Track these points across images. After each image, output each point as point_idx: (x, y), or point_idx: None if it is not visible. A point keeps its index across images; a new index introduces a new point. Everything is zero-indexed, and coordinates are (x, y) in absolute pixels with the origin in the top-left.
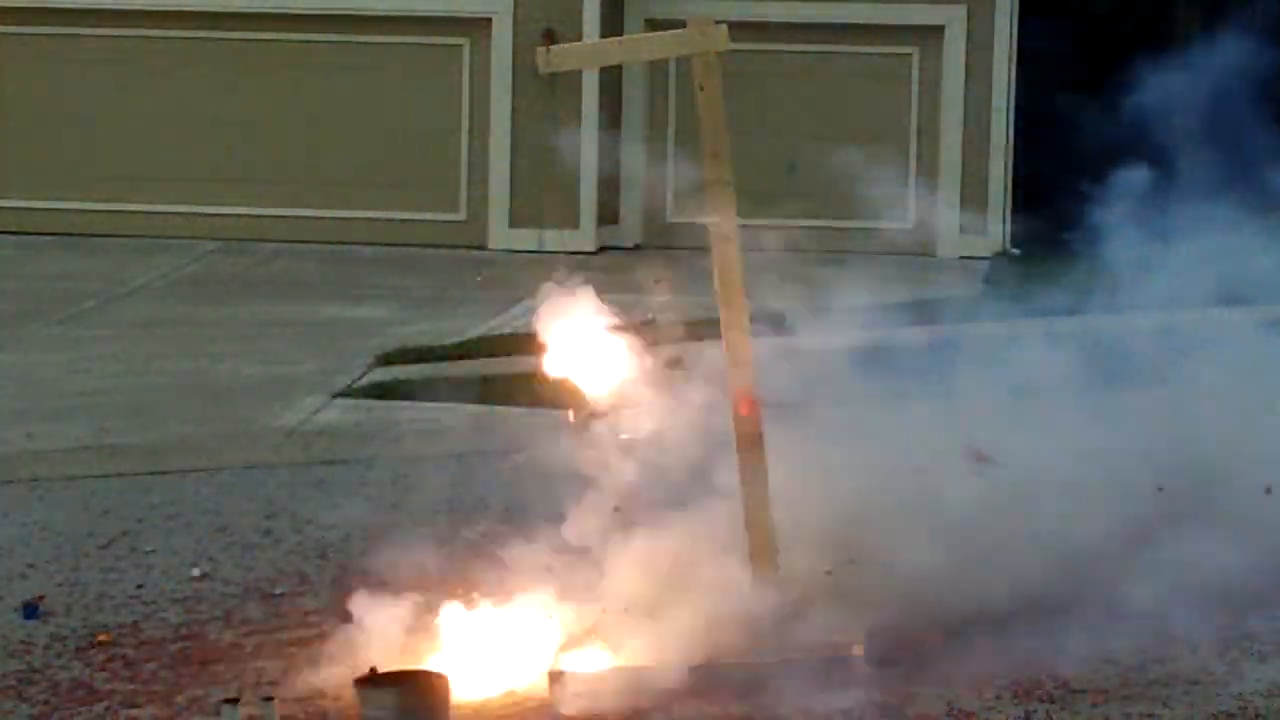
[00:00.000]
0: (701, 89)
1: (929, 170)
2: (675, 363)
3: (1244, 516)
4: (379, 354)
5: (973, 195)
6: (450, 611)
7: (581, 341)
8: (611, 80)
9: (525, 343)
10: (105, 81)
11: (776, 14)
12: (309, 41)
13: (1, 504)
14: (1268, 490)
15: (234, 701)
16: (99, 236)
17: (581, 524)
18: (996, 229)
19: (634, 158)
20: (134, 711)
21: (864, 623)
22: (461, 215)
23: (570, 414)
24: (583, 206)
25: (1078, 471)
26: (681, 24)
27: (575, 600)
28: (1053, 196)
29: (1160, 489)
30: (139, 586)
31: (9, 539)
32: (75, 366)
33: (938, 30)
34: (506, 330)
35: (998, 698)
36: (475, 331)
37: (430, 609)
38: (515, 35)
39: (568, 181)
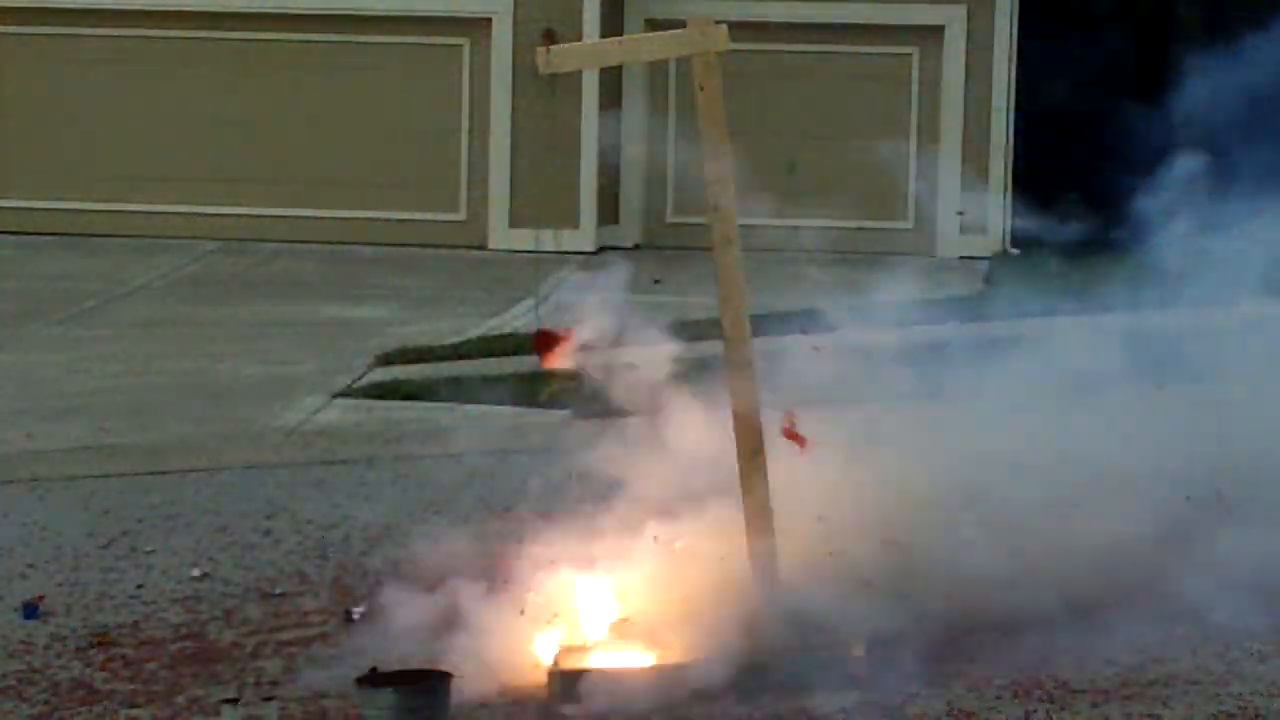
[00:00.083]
0: (701, 89)
1: (929, 170)
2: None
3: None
4: (379, 354)
5: (972, 195)
6: (450, 611)
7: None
8: (611, 80)
9: (527, 341)
10: (105, 81)
11: (776, 14)
12: (309, 41)
13: (1, 504)
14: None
15: (234, 701)
16: (99, 236)
17: (582, 523)
18: (996, 229)
19: (634, 158)
20: (134, 711)
21: (910, 615)
22: (461, 215)
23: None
24: (583, 207)
25: (1124, 467)
26: (681, 24)
27: (576, 600)
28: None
29: (1188, 498)
30: (139, 586)
31: (9, 539)
32: (75, 366)
33: (938, 30)
34: (506, 330)
35: (998, 698)
36: (475, 331)
37: (430, 608)
38: (515, 35)
39: (568, 182)
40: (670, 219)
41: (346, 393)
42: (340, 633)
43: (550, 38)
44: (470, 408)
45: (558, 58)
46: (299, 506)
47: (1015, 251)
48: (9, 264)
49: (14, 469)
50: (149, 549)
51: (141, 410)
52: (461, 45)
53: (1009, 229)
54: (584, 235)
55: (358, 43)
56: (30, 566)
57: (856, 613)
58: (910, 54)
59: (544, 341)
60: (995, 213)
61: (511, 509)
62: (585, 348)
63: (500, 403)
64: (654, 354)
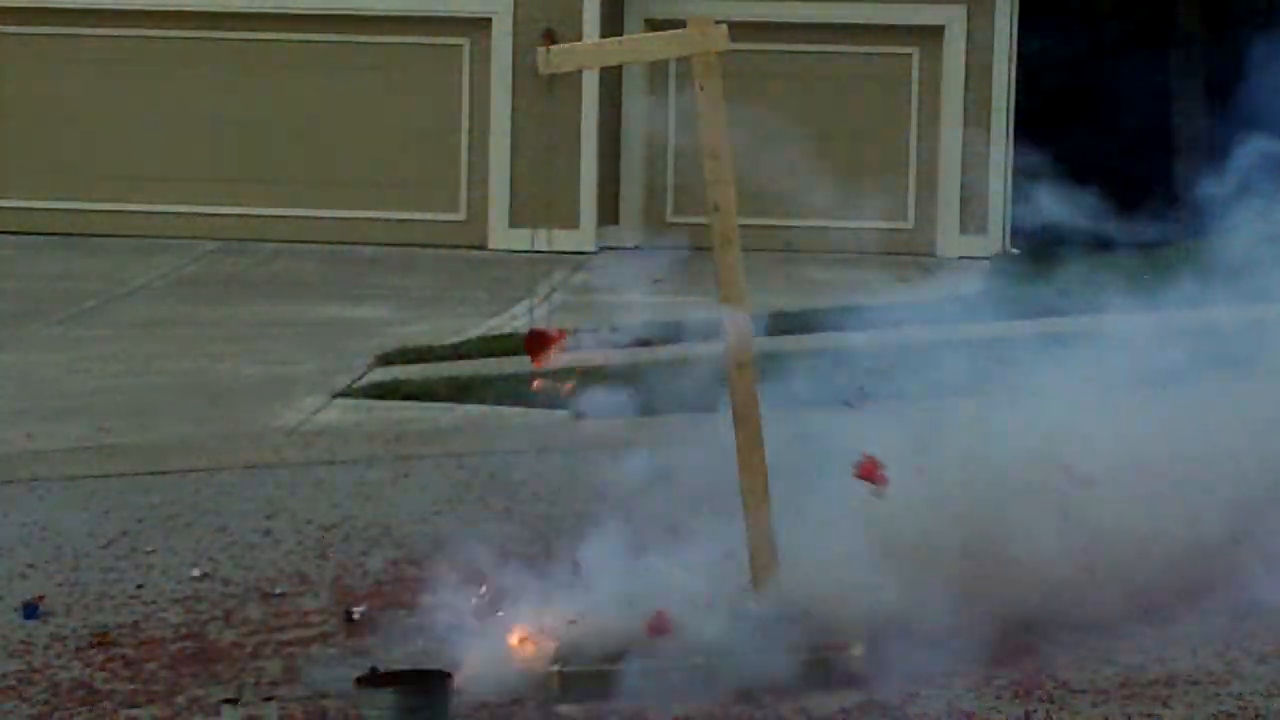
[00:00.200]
0: (701, 89)
1: (929, 170)
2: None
3: None
4: (379, 354)
5: (973, 195)
6: (450, 611)
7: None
8: (611, 80)
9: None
10: (105, 81)
11: (776, 14)
12: (309, 41)
13: (1, 504)
14: None
15: (234, 701)
16: (99, 236)
17: (578, 523)
18: (996, 229)
19: (634, 158)
20: (134, 711)
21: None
22: (461, 215)
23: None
24: (583, 206)
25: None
26: (681, 24)
27: (576, 600)
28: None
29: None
30: (139, 586)
31: (9, 539)
32: (75, 366)
33: (938, 30)
34: (506, 330)
35: (998, 698)
36: (475, 331)
37: (430, 608)
38: (515, 35)
39: (568, 181)
40: (670, 219)
41: (346, 393)
42: (340, 633)
43: (550, 38)
44: (470, 408)
45: (558, 58)
46: (299, 506)
47: (1015, 251)
48: (9, 264)
49: (14, 469)
50: (149, 549)
51: (141, 410)
52: (461, 45)
53: (1009, 229)
54: (584, 235)
55: (358, 43)
56: (30, 566)
57: (855, 612)
58: (910, 54)
59: (536, 342)
60: (995, 213)
61: (511, 509)
62: (580, 348)
63: (500, 403)
64: (652, 354)
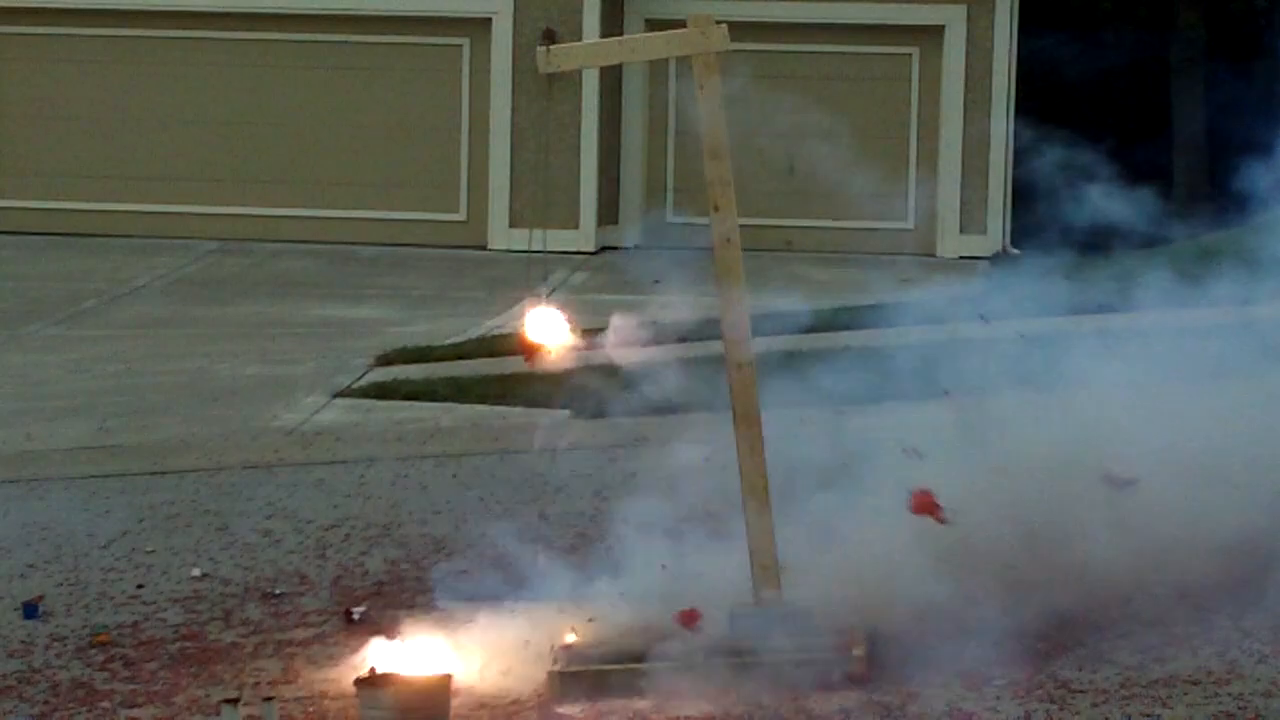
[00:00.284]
0: (701, 89)
1: (929, 170)
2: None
3: None
4: (379, 354)
5: (973, 195)
6: (450, 611)
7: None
8: (611, 80)
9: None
10: (105, 81)
11: (776, 14)
12: (309, 41)
13: (1, 504)
14: None
15: (234, 701)
16: (99, 236)
17: (570, 523)
18: (996, 229)
19: (634, 158)
20: (134, 711)
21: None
22: (461, 215)
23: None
24: (583, 206)
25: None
26: (681, 24)
27: (575, 600)
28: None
29: None
30: (139, 586)
31: (9, 539)
32: (75, 366)
33: (938, 30)
34: (506, 330)
35: (998, 698)
36: (475, 331)
37: (430, 608)
38: (515, 35)
39: (568, 181)
40: (670, 219)
41: (346, 393)
42: (340, 633)
43: (550, 38)
44: (470, 408)
45: (558, 58)
46: (299, 506)
47: (1015, 251)
48: (9, 264)
49: (14, 469)
50: (149, 549)
51: (141, 410)
52: (461, 45)
53: (1009, 229)
54: (584, 235)
55: (358, 43)
56: (30, 566)
57: (852, 612)
58: (910, 54)
59: (530, 341)
60: (995, 212)
61: (511, 509)
62: (574, 348)
63: (500, 403)
64: (649, 354)
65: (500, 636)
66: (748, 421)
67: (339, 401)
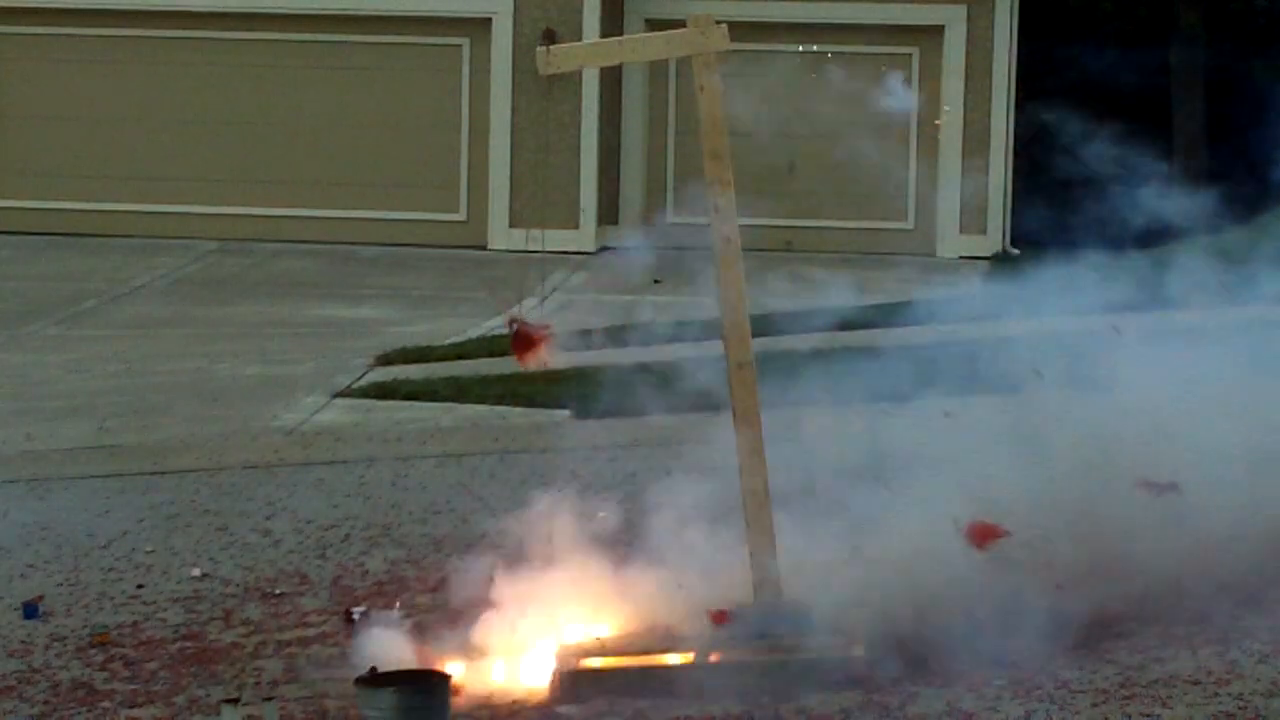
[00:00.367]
0: (701, 89)
1: (929, 170)
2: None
3: None
4: (379, 354)
5: (973, 195)
6: (450, 611)
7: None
8: (611, 80)
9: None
10: (105, 81)
11: (776, 14)
12: (309, 41)
13: (1, 504)
14: None
15: (234, 701)
16: (99, 236)
17: (570, 524)
18: (996, 229)
19: (634, 158)
20: (134, 711)
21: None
22: (461, 215)
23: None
24: (583, 207)
25: None
26: (681, 24)
27: (575, 600)
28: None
29: None
30: (139, 586)
31: (9, 539)
32: (75, 366)
33: (938, 30)
34: (506, 330)
35: (998, 698)
36: (475, 332)
37: (430, 608)
38: (515, 35)
39: (568, 182)
40: (670, 219)
41: (346, 393)
42: (340, 633)
43: (550, 38)
44: (470, 408)
45: (558, 58)
46: (299, 506)
47: (1015, 251)
48: (9, 264)
49: (14, 469)
50: (149, 549)
51: (141, 410)
52: (461, 45)
53: (1009, 229)
54: (584, 235)
55: (358, 43)
56: (30, 566)
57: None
58: (910, 54)
59: (520, 340)
60: (995, 212)
61: (511, 509)
62: (566, 347)
63: (500, 403)
64: (649, 354)
65: (500, 636)
66: (748, 421)
67: (339, 401)
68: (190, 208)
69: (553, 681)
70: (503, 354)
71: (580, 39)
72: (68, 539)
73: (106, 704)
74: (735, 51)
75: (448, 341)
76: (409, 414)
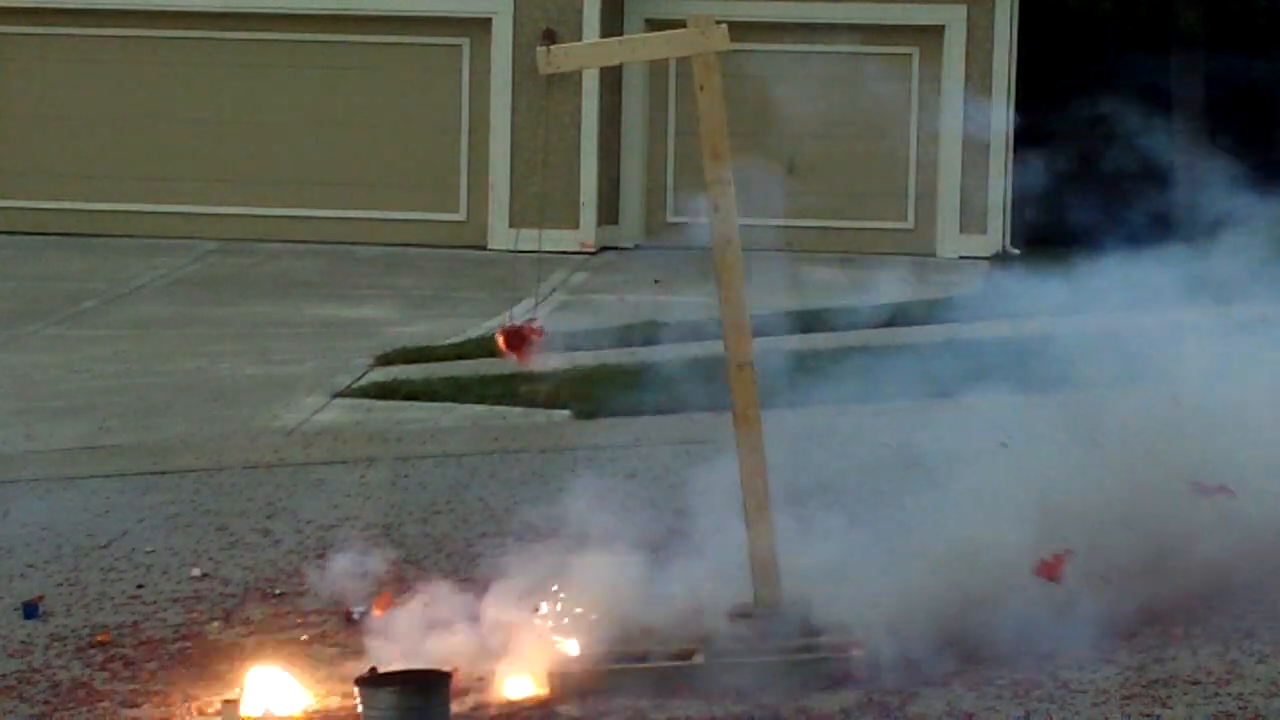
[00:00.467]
0: (701, 89)
1: (929, 170)
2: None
3: None
4: (379, 354)
5: (973, 195)
6: (450, 611)
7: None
8: (611, 80)
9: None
10: (105, 81)
11: (776, 14)
12: (309, 41)
13: (1, 504)
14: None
15: (234, 702)
16: (99, 236)
17: (570, 524)
18: (996, 229)
19: (634, 158)
20: (134, 711)
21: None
22: (461, 215)
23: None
24: (583, 206)
25: None
26: (681, 24)
27: (575, 600)
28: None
29: None
30: (139, 586)
31: (9, 539)
32: (75, 366)
33: (938, 30)
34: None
35: (998, 698)
36: (475, 332)
37: (430, 608)
38: (515, 35)
39: (568, 182)
40: (670, 219)
41: (346, 393)
42: (340, 633)
43: (550, 38)
44: (470, 408)
45: (558, 58)
46: (299, 506)
47: (1015, 251)
48: (9, 264)
49: (14, 469)
50: (149, 549)
51: (141, 410)
52: (461, 45)
53: (1009, 229)
54: (584, 235)
55: (358, 43)
56: (30, 566)
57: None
58: (910, 54)
59: (511, 339)
60: (996, 212)
61: (512, 509)
62: (565, 348)
63: (500, 403)
64: (650, 354)
65: (500, 636)
66: (748, 421)
67: (339, 401)
68: (190, 208)
69: (552, 681)
70: (502, 354)
71: (580, 39)
72: (68, 539)
73: (106, 704)
74: (736, 51)
75: (448, 341)
76: (409, 414)
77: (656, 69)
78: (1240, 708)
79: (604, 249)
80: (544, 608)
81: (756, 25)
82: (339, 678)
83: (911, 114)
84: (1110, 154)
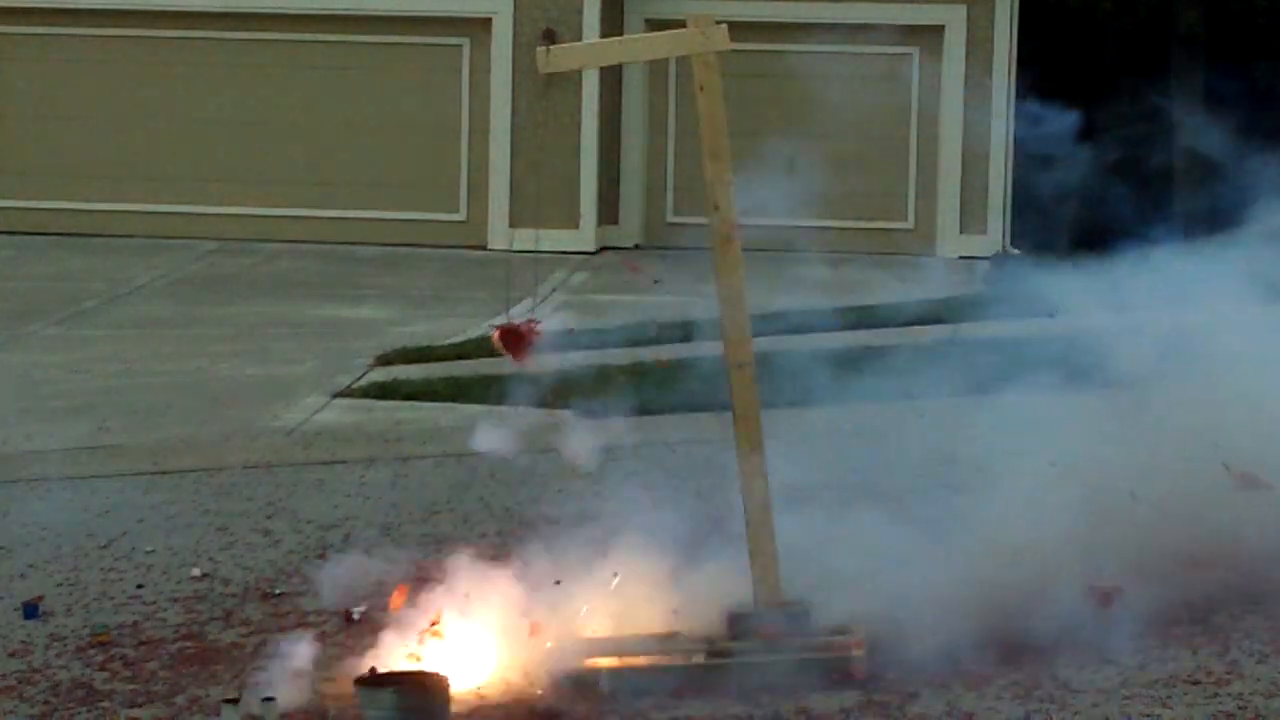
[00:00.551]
0: (701, 89)
1: (929, 170)
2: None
3: None
4: (379, 354)
5: (973, 195)
6: (450, 612)
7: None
8: (611, 80)
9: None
10: (105, 81)
11: (776, 14)
12: (309, 41)
13: (1, 504)
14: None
15: (234, 701)
16: (99, 236)
17: (570, 524)
18: (996, 229)
19: (634, 158)
20: (134, 711)
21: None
22: (461, 215)
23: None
24: (583, 206)
25: None
26: (681, 24)
27: (574, 600)
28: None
29: None
30: (139, 586)
31: (9, 539)
32: (75, 366)
33: (938, 30)
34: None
35: (998, 698)
36: (475, 331)
37: (431, 608)
38: (515, 35)
39: (568, 181)
40: (670, 219)
41: (346, 393)
42: (340, 633)
43: (550, 38)
44: (470, 408)
45: (558, 58)
46: (299, 506)
47: (1015, 251)
48: (9, 264)
49: (14, 469)
50: (149, 549)
51: (141, 410)
52: (461, 45)
53: (1009, 229)
54: (584, 235)
55: (358, 43)
56: (30, 566)
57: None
58: (910, 54)
59: (507, 337)
60: (996, 212)
61: (512, 509)
62: (565, 347)
63: (500, 403)
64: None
65: (500, 636)
66: (747, 421)
67: (339, 401)
68: (190, 208)
69: (552, 681)
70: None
71: (580, 39)
72: (68, 539)
73: (106, 704)
74: (736, 51)
75: (448, 341)
76: (409, 414)
77: (656, 69)
78: (1240, 708)
79: (604, 249)
80: (544, 608)
81: (756, 25)
82: (338, 677)
83: (911, 114)
84: (1108, 155)
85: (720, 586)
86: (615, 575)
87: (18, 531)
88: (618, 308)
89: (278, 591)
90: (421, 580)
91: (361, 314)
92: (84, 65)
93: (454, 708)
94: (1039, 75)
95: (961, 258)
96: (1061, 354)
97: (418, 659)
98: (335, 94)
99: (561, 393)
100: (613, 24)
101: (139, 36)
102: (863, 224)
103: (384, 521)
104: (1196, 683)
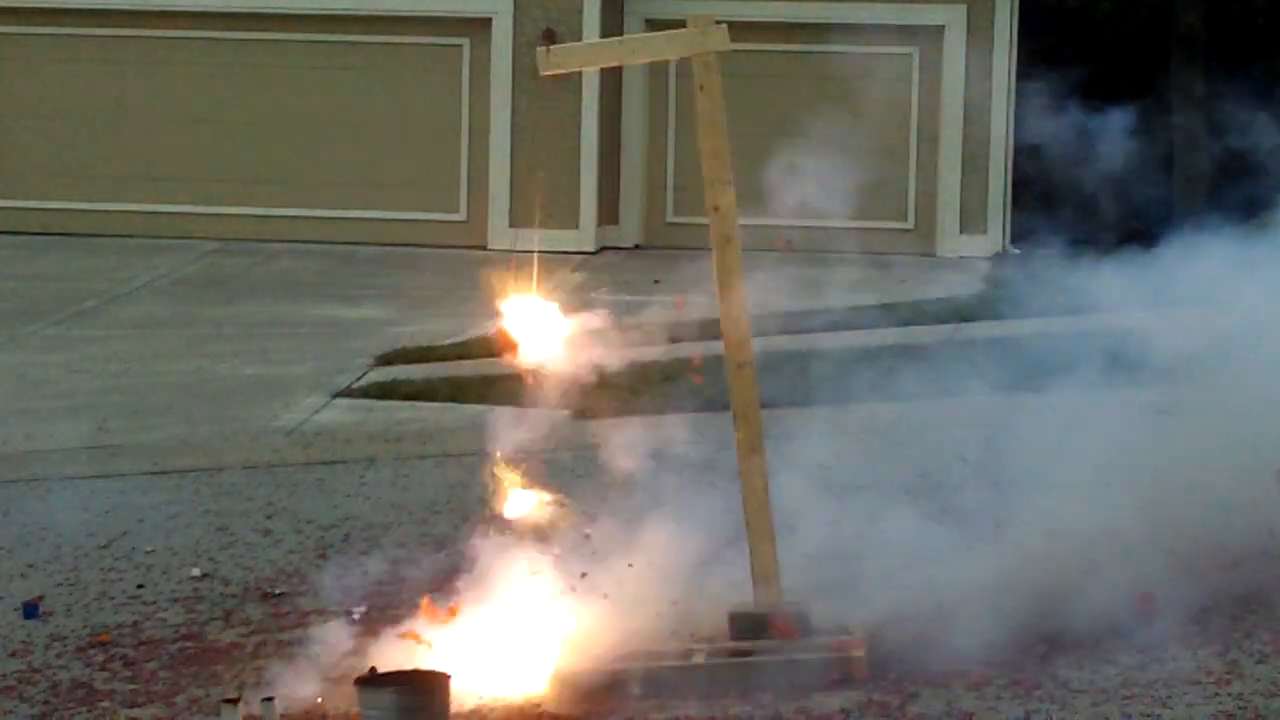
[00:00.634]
0: (701, 89)
1: (929, 170)
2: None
3: None
4: (379, 354)
5: (973, 195)
6: (450, 612)
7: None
8: (611, 80)
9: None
10: (105, 81)
11: (776, 14)
12: (309, 41)
13: (1, 504)
14: None
15: (234, 701)
16: (99, 236)
17: (569, 524)
18: (996, 229)
19: (634, 158)
20: (134, 711)
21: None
22: (461, 215)
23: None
24: (583, 206)
25: None
26: (681, 24)
27: (574, 600)
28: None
29: None
30: (139, 586)
31: (9, 539)
32: (75, 366)
33: (938, 30)
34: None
35: (998, 698)
36: (475, 331)
37: (431, 609)
38: (515, 35)
39: (568, 182)
40: (670, 219)
41: (346, 393)
42: (340, 633)
43: (550, 38)
44: (470, 408)
45: (558, 58)
46: (299, 506)
47: (1015, 251)
48: (9, 264)
49: (14, 469)
50: (149, 549)
51: (141, 410)
52: (461, 45)
53: (1009, 229)
54: (584, 235)
55: (358, 43)
56: (30, 566)
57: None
58: (910, 54)
59: (509, 337)
60: (996, 212)
61: (511, 510)
62: (564, 348)
63: (500, 403)
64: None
65: (500, 636)
66: (747, 421)
67: (339, 401)
68: (190, 208)
69: (552, 681)
70: (503, 354)
71: (580, 39)
72: (68, 539)
73: (106, 704)
74: (736, 51)
75: (448, 341)
76: (409, 414)
77: (656, 69)
78: (1240, 708)
79: (604, 249)
80: (544, 609)
81: (756, 25)
82: (338, 677)
83: (911, 114)
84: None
85: (720, 587)
86: (628, 564)
87: (18, 531)
88: (618, 308)
89: (278, 591)
90: (421, 580)
91: (361, 314)
92: (84, 65)
93: (454, 707)
94: (1038, 75)
95: (961, 257)
96: (1093, 351)
97: (420, 652)
98: (335, 94)
99: (561, 393)
100: (613, 24)
101: (139, 36)
102: (862, 224)
103: (384, 521)
104: (1196, 683)
